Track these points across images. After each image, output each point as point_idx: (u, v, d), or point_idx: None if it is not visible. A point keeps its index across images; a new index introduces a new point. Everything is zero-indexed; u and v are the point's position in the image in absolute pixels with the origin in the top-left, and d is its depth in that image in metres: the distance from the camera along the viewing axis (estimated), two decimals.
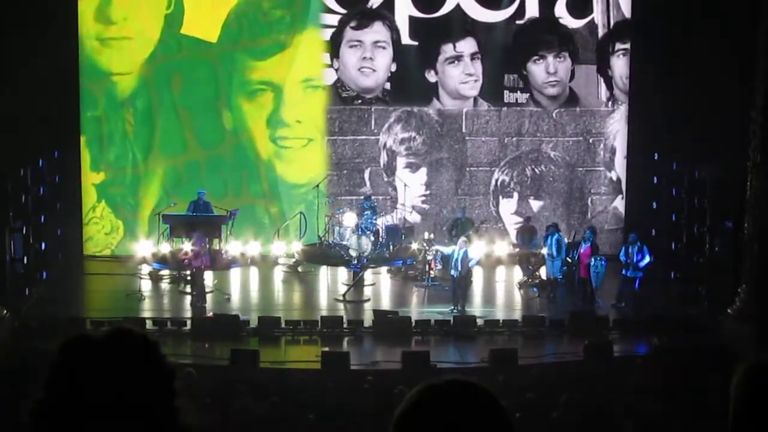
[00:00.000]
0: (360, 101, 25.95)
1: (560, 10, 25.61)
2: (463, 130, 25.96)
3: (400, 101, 25.97)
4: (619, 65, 25.87)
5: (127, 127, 25.20)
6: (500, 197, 26.17)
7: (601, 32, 25.88)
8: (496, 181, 26.15)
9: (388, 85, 25.91)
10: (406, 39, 25.66)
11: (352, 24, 25.72)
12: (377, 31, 25.73)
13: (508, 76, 25.97)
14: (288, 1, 25.37)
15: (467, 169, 26.07)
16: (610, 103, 26.15)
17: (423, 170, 25.98)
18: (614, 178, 26.28)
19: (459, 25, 25.75)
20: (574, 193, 26.22)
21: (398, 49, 25.70)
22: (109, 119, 25.14)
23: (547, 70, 25.92)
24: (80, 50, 24.59)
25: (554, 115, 25.98)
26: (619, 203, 26.30)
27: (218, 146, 25.28)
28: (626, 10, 25.57)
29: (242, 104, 25.37)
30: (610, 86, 26.10)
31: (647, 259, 21.15)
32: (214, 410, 13.97)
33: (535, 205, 26.07)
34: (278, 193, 25.63)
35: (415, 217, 25.64)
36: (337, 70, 25.70)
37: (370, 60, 25.77)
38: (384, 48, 25.76)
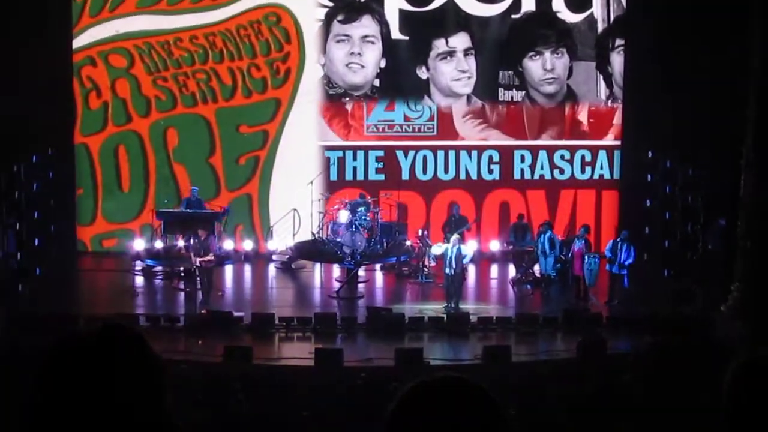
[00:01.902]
0: (348, 98, 25.48)
1: (558, 3, 25.13)
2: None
3: (390, 99, 25.47)
4: (620, 62, 25.27)
5: (122, 182, 25.24)
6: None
7: (600, 27, 25.35)
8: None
9: (377, 82, 25.37)
10: (396, 33, 25.14)
11: (340, 17, 25.21)
12: (366, 25, 25.23)
13: (503, 73, 25.44)
14: (284, 56, 25.23)
15: None
16: (609, 101, 25.70)
17: None
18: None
19: (452, 19, 25.22)
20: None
21: (388, 44, 25.17)
22: (105, 173, 25.19)
23: (544, 66, 25.38)
24: (76, 103, 24.79)
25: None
26: None
27: (213, 200, 24.85)
28: (626, 4, 25.15)
29: (237, 158, 25.26)
30: (609, 84, 25.55)
31: (631, 259, 21.17)
32: (208, 407, 13.97)
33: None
34: (269, 202, 25.51)
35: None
36: (323, 65, 25.33)
37: (359, 55, 25.25)
38: (373, 43, 25.25)
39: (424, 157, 25.65)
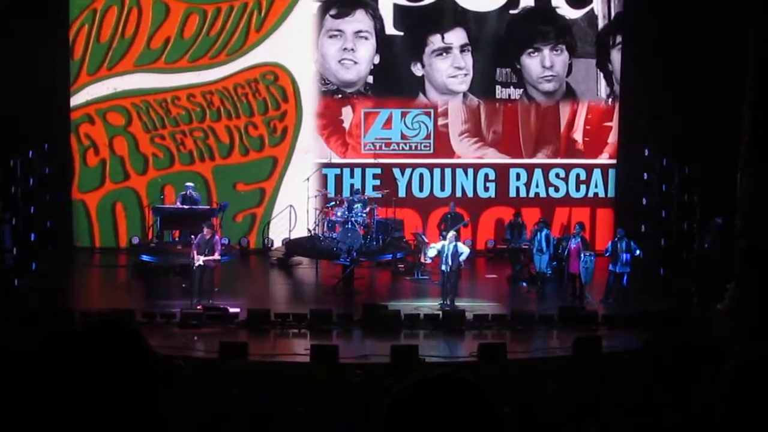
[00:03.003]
0: (340, 96, 25.19)
1: None
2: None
3: (384, 96, 25.21)
4: (620, 59, 25.03)
5: (119, 238, 25.24)
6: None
7: (601, 23, 25.08)
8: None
9: (370, 79, 25.09)
10: (390, 29, 24.86)
11: (332, 12, 24.85)
12: (359, 20, 24.88)
13: (500, 70, 25.18)
14: (281, 114, 25.24)
15: None
16: (610, 99, 25.40)
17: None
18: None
19: (448, 14, 24.89)
20: None
21: (382, 40, 24.90)
22: (102, 229, 25.22)
23: (542, 63, 25.11)
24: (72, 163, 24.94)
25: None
26: None
27: None
28: (624, 2, 24.86)
29: (234, 215, 25.15)
30: (610, 81, 25.26)
31: (638, 251, 21.19)
32: (203, 402, 13.98)
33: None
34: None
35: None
36: (315, 62, 25.10)
37: (352, 51, 24.93)
38: (366, 38, 24.94)
39: (421, 175, 25.54)
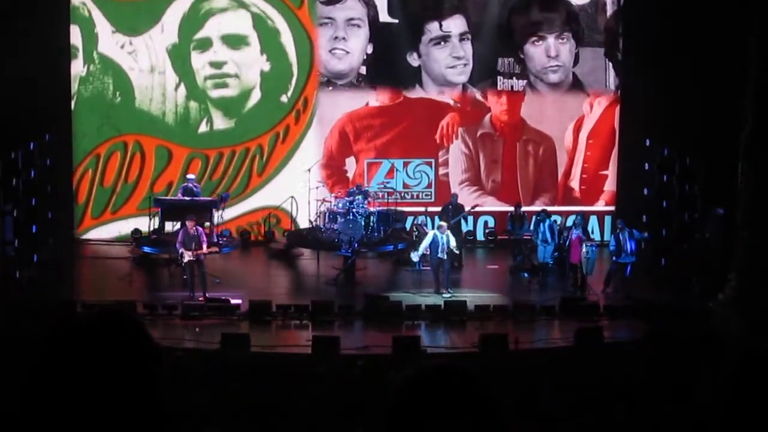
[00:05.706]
0: (331, 88, 24.68)
1: None
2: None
3: (378, 88, 24.74)
4: (622, 47, 24.56)
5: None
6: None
7: (609, 10, 24.62)
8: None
9: (363, 70, 24.57)
10: (384, 16, 24.24)
11: None
12: (351, 7, 24.21)
13: (502, 60, 24.71)
14: None
15: None
16: (619, 91, 24.97)
17: None
18: None
19: (447, 0, 24.40)
20: None
21: (375, 28, 24.27)
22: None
23: (547, 53, 24.62)
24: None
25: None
26: None
27: None
28: None
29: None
30: (619, 72, 24.81)
31: (645, 234, 21.22)
32: (204, 394, 13.99)
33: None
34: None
35: None
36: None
37: (343, 40, 24.29)
38: (359, 27, 24.32)
39: (422, 222, 25.37)
